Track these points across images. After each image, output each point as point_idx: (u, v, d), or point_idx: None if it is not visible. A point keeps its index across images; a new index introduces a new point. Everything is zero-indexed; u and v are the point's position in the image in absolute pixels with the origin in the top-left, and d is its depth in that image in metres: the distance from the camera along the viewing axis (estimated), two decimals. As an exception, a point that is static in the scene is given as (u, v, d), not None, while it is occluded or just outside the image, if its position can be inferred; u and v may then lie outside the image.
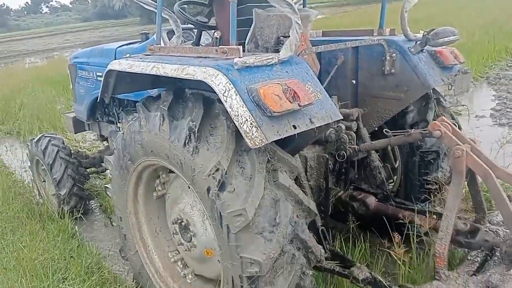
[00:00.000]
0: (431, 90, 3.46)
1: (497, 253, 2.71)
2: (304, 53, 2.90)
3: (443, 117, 3.04)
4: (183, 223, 2.97)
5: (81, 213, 4.85)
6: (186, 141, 2.42)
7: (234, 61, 2.22)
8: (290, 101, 2.15)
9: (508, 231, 2.69)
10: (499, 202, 2.55)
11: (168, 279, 3.22)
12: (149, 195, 3.23)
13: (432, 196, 3.57)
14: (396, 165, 3.79)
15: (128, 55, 3.13)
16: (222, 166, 2.28)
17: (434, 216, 3.13)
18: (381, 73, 3.39)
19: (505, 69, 11.19)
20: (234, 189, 2.27)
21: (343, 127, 3.23)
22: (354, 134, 3.30)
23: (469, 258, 2.83)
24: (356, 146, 3.27)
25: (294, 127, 2.19)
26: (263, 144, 2.07)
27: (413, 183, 3.62)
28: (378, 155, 3.60)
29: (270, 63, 2.33)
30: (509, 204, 2.53)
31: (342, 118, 2.53)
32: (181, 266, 3.27)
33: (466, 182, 2.76)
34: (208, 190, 2.35)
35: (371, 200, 3.40)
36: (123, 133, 3.03)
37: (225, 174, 2.28)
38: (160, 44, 3.13)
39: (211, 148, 2.35)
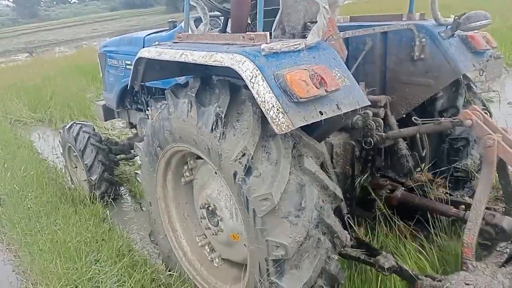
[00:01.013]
0: (462, 76, 3.38)
1: None
2: (331, 38, 2.88)
3: (474, 105, 2.97)
4: (210, 208, 3.03)
5: (111, 198, 5.01)
6: (213, 127, 2.47)
7: (261, 47, 2.23)
8: (317, 87, 2.15)
9: None
10: None
11: (196, 263, 3.30)
12: (177, 180, 3.31)
13: (461, 185, 3.52)
14: (424, 153, 3.73)
15: (157, 43, 3.18)
16: (248, 151, 2.31)
17: (463, 206, 3.08)
18: (410, 59, 3.33)
19: (541, 54, 10.73)
20: (260, 174, 2.30)
21: (371, 113, 3.19)
22: (382, 121, 3.26)
23: (498, 249, 2.79)
24: (384, 134, 3.23)
25: (321, 113, 2.19)
26: (289, 130, 2.09)
27: (442, 171, 3.56)
28: (406, 143, 3.55)
29: (297, 49, 2.33)
30: None
31: (370, 104, 2.50)
32: (209, 250, 3.34)
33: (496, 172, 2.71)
34: (235, 175, 2.39)
35: (398, 189, 3.36)
36: (152, 120, 3.10)
37: (251, 159, 2.31)
38: (188, 32, 3.16)
39: (238, 134, 2.38)
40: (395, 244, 3.37)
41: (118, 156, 5.45)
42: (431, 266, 3.09)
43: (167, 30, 4.48)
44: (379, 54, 3.52)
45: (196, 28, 3.50)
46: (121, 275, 3.35)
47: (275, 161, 2.32)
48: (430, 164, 3.67)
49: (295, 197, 2.31)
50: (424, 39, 3.23)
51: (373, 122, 3.18)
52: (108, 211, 4.77)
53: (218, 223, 3.00)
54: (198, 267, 3.26)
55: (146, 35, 4.63)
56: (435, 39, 3.21)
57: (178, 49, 2.70)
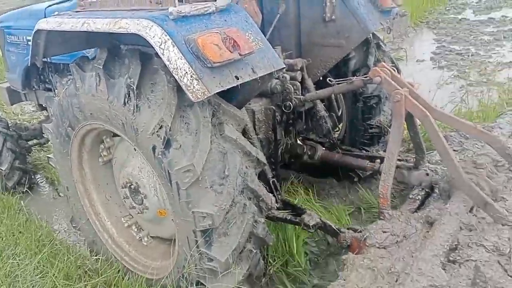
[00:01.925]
0: (371, 36, 3.51)
1: (436, 190, 2.86)
2: (243, 1, 2.82)
3: (383, 63, 3.09)
4: (132, 186, 2.91)
5: (26, 188, 4.65)
6: (126, 100, 2.33)
7: (169, 11, 2.12)
8: (230, 51, 2.09)
9: (445, 168, 2.82)
10: (436, 142, 2.64)
11: (124, 244, 3.19)
12: (94, 161, 3.13)
13: (376, 140, 3.71)
14: (340, 113, 3.87)
15: (56, 13, 2.91)
16: (166, 123, 2.23)
17: (378, 160, 3.25)
18: (322, 20, 3.38)
19: (444, 13, 11.55)
20: (180, 146, 2.24)
21: (288, 77, 3.21)
22: (299, 84, 3.30)
23: (411, 197, 2.95)
24: (302, 97, 3.28)
25: (237, 77, 2.15)
26: (205, 97, 2.03)
27: (358, 128, 3.73)
28: (324, 104, 3.64)
29: (208, 11, 2.24)
30: (445, 143, 2.64)
31: (285, 66, 2.51)
32: (136, 229, 3.24)
33: (405, 125, 2.86)
34: (154, 149, 2.30)
35: (318, 149, 3.46)
36: (59, 97, 2.87)
37: (169, 131, 2.23)
38: None
39: (153, 105, 2.28)
40: (318, 202, 3.51)
41: (29, 142, 5.05)
42: (352, 220, 3.25)
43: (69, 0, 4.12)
44: (293, 17, 3.52)
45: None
46: (43, 266, 3.14)
47: (195, 131, 2.27)
48: (346, 123, 3.83)
49: (218, 165, 2.28)
50: (334, 0, 3.28)
51: (291, 86, 3.20)
52: (23, 202, 4.42)
53: (143, 201, 2.90)
54: (126, 248, 3.15)
55: (47, 7, 4.22)
56: (344, 0, 3.27)
57: (79, 17, 2.48)
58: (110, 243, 3.16)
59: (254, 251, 2.49)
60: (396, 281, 2.09)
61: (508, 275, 2.07)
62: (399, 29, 3.38)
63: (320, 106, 3.45)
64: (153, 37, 2.05)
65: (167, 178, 2.32)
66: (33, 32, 2.78)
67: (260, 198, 2.46)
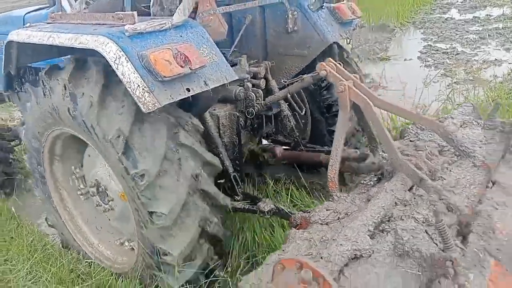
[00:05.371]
0: (336, 45, 3.66)
1: (384, 174, 2.92)
2: (206, 14, 2.96)
3: (329, 58, 3.14)
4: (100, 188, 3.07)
5: (16, 192, 4.65)
6: (89, 108, 2.49)
7: (125, 28, 2.29)
8: (181, 66, 2.26)
9: None
10: (376, 127, 2.82)
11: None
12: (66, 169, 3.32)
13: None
14: (304, 112, 4.01)
15: (28, 24, 3.09)
16: (124, 131, 2.39)
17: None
18: (286, 31, 3.54)
19: (430, 12, 11.63)
20: (138, 152, 2.41)
21: (250, 85, 3.38)
22: (261, 92, 3.46)
23: (362, 182, 3.00)
24: (263, 101, 3.45)
25: (188, 90, 2.33)
26: (156, 108, 2.20)
27: (321, 125, 3.92)
28: (288, 104, 3.78)
29: (163, 28, 2.41)
30: (386, 129, 2.78)
31: (238, 78, 2.67)
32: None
33: (353, 115, 2.97)
34: (113, 154, 2.47)
35: (279, 149, 3.65)
36: (30, 102, 3.04)
37: (127, 138, 2.40)
38: (61, 11, 3.09)
39: (113, 114, 2.44)
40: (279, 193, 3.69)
41: (12, 142, 5.15)
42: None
43: (48, 7, 4.26)
44: (259, 27, 3.68)
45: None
46: (36, 270, 3.17)
47: (152, 138, 2.43)
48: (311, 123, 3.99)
49: (173, 170, 2.45)
50: (296, 12, 3.45)
51: (253, 94, 3.37)
52: (13, 208, 4.32)
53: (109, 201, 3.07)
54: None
55: (26, 13, 4.36)
56: (305, 12, 3.45)
57: (46, 31, 2.65)
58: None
59: (207, 246, 2.66)
60: (326, 247, 2.14)
61: (434, 243, 2.02)
62: (358, 40, 3.53)
63: (284, 106, 3.63)
64: (109, 53, 2.23)
65: (127, 181, 2.49)
66: (5, 43, 2.95)
67: (214, 199, 2.64)
